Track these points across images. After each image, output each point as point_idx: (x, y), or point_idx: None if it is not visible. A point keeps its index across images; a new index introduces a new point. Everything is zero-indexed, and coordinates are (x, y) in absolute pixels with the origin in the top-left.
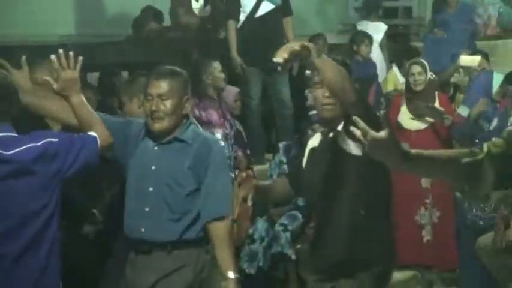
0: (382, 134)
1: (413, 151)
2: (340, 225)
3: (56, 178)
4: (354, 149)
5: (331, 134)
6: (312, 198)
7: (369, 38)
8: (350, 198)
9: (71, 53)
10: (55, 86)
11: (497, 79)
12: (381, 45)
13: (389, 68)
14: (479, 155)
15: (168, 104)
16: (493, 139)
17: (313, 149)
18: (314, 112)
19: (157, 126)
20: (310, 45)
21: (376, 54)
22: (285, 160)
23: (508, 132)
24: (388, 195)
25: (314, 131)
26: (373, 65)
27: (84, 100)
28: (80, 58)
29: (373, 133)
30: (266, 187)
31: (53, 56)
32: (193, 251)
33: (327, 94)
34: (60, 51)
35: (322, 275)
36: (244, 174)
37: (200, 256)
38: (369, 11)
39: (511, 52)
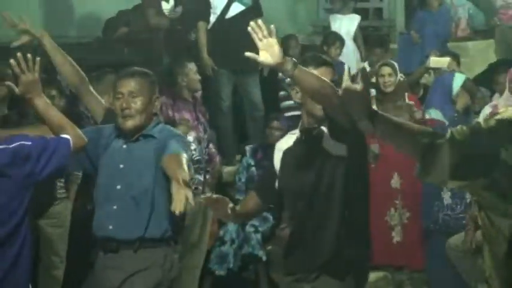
0: (357, 86)
1: (382, 113)
2: (325, 226)
3: (29, 180)
4: (338, 150)
5: (314, 132)
6: (290, 202)
7: (341, 40)
8: (335, 199)
9: (28, 55)
10: (17, 90)
11: (459, 80)
12: (355, 37)
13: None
14: (441, 139)
15: (139, 101)
16: (458, 127)
17: (287, 151)
18: (292, 113)
19: (128, 123)
20: (286, 59)
21: (350, 47)
22: (252, 163)
23: (476, 124)
24: (367, 196)
25: (272, 132)
26: (342, 67)
27: (49, 102)
28: (38, 59)
29: (349, 83)
30: (241, 213)
31: (12, 61)
32: (161, 250)
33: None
34: (19, 54)
35: (301, 276)
36: (214, 196)
37: (168, 255)
38: (345, 2)
39: (481, 53)
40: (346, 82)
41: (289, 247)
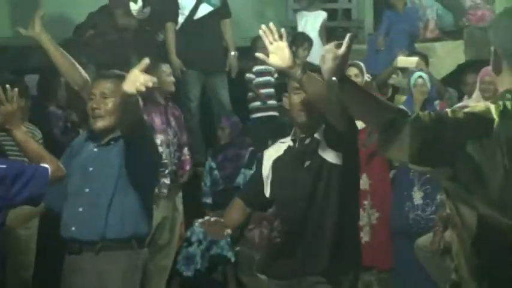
0: (340, 50)
1: (352, 81)
2: (321, 233)
3: (0, 204)
4: (333, 158)
5: (307, 141)
6: (283, 210)
7: (309, 41)
8: (331, 206)
9: (7, 85)
10: None
11: (412, 79)
12: (320, 33)
13: None
14: (406, 118)
15: (110, 103)
16: (426, 112)
17: (278, 159)
18: (260, 114)
19: (98, 124)
20: (297, 63)
21: (317, 44)
22: (214, 166)
23: (443, 113)
24: (358, 202)
25: (221, 131)
26: None
27: (27, 132)
28: (16, 90)
29: (332, 46)
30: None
31: None
32: (122, 253)
33: (303, 100)
34: None
35: (293, 282)
36: (212, 219)
37: (131, 258)
38: (311, 1)
39: (450, 54)
40: (331, 44)
41: (276, 252)
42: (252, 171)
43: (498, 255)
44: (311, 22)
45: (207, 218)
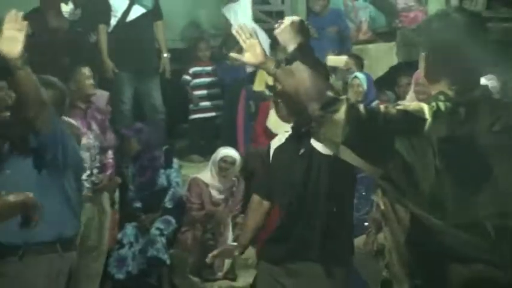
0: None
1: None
2: (313, 220)
3: None
4: (323, 148)
5: (304, 129)
6: (280, 195)
7: (239, 44)
8: (322, 195)
9: None
10: None
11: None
12: (254, 17)
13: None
14: (342, 103)
15: None
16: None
17: (278, 148)
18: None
19: None
20: (268, 58)
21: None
22: (134, 171)
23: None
24: (352, 192)
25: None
26: (242, 68)
27: None
28: None
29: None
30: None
31: None
32: (46, 257)
33: (278, 92)
34: None
35: (283, 267)
36: (221, 250)
37: (53, 262)
38: None
39: (383, 56)
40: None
41: (276, 236)
42: (171, 170)
43: (430, 253)
44: (241, 11)
45: (215, 252)
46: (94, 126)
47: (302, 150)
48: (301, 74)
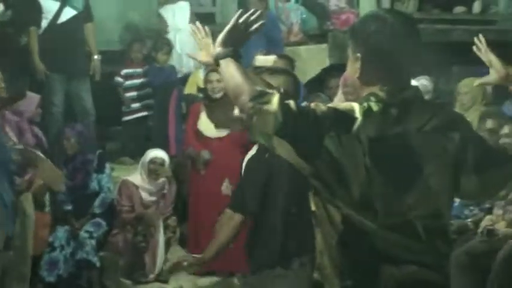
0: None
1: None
2: (274, 223)
3: None
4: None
5: None
6: (247, 202)
7: (169, 47)
8: (281, 197)
9: None
10: None
11: None
12: (192, 21)
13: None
14: (273, 95)
15: None
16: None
17: (251, 160)
18: (125, 118)
19: None
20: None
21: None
22: (66, 174)
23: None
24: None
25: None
26: (173, 70)
27: None
28: None
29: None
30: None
31: None
32: None
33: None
34: None
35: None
36: (176, 262)
37: None
38: None
39: (314, 58)
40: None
41: (250, 243)
42: (103, 175)
43: (361, 254)
44: (179, 12)
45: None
46: (7, 128)
47: (267, 155)
48: (231, 70)
